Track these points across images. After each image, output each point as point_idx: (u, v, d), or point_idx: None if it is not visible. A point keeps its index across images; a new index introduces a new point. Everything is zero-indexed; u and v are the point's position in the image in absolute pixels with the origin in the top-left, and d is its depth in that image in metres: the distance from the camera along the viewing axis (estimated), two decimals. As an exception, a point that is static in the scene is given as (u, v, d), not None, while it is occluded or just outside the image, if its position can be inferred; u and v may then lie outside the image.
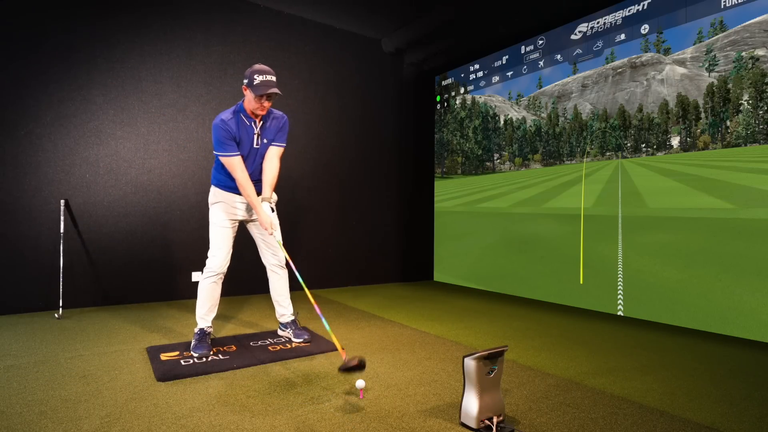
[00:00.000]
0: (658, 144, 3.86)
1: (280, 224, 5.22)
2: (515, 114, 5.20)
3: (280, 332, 3.10)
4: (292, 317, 3.04)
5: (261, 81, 2.54)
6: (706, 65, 3.53)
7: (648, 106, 3.94)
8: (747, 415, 1.89)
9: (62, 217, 3.76)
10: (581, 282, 4.20)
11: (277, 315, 3.07)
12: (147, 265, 4.21)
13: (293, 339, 2.95)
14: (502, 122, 5.34)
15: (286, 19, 4.99)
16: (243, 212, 2.87)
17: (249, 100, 2.62)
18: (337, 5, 4.86)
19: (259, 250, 3.01)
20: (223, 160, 2.65)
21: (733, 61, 3.36)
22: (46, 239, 3.78)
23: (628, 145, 4.08)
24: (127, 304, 4.09)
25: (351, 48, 5.48)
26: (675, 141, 3.75)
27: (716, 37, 3.45)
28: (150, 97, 4.24)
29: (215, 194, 2.82)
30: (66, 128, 3.89)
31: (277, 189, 5.01)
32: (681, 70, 3.71)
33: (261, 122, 2.75)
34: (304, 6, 4.87)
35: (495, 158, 5.43)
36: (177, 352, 2.64)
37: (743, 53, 3.30)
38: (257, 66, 2.61)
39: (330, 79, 5.31)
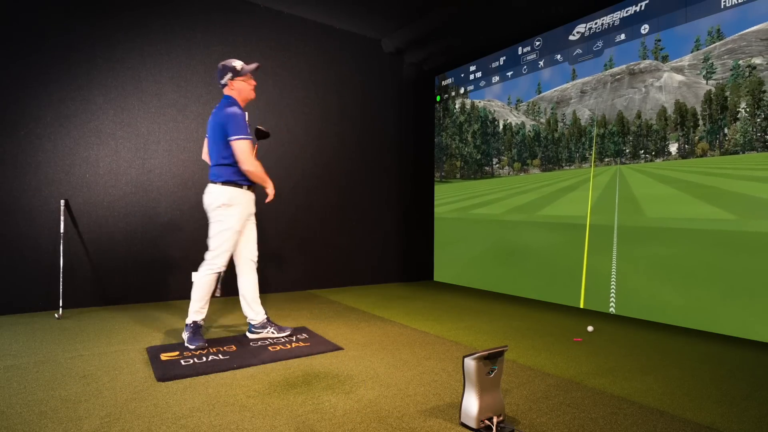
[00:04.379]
0: (656, 150, 3.85)
1: (280, 223, 5.21)
2: (514, 119, 5.16)
3: (252, 335, 2.97)
4: (265, 315, 3.01)
5: (250, 68, 2.80)
6: (704, 73, 3.53)
7: (646, 113, 3.93)
8: (747, 415, 1.90)
9: (62, 217, 3.76)
10: (581, 305, 4.21)
11: (253, 315, 2.96)
12: (147, 265, 4.21)
13: (277, 334, 2.97)
14: (501, 127, 5.31)
15: (286, 19, 4.99)
16: (252, 208, 2.93)
17: (242, 90, 2.80)
18: (337, 5, 4.86)
19: (239, 246, 2.93)
20: (244, 144, 2.70)
21: (731, 69, 3.36)
22: (46, 239, 3.78)
23: (627, 151, 4.06)
24: (127, 304, 4.09)
25: (351, 48, 5.48)
26: (673, 147, 3.74)
27: (713, 45, 3.44)
28: (150, 97, 4.24)
29: (238, 194, 2.79)
30: (66, 128, 3.89)
31: (277, 189, 5.01)
32: (679, 77, 3.70)
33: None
34: (304, 6, 4.87)
35: (494, 163, 5.40)
36: (177, 352, 2.64)
37: (740, 62, 3.30)
38: (226, 60, 2.82)
39: (330, 79, 5.31)
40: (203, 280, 2.76)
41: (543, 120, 4.85)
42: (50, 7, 3.81)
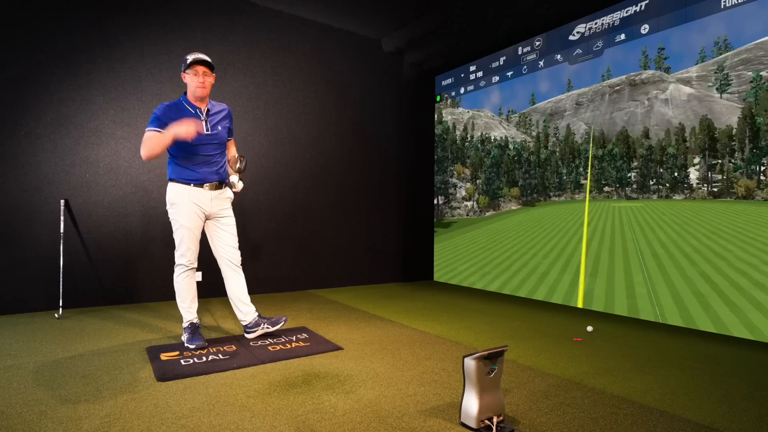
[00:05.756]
0: (672, 182, 3.07)
1: (280, 223, 5.20)
2: (500, 132, 4.52)
3: (249, 335, 2.94)
4: (257, 312, 2.98)
5: (193, 58, 2.70)
6: (717, 85, 3.07)
7: (652, 129, 3.43)
8: (747, 415, 1.89)
9: (62, 217, 3.76)
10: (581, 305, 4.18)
11: (242, 316, 2.93)
12: (147, 265, 4.21)
13: (272, 329, 2.95)
14: (467, 141, 4.37)
15: (286, 19, 5.00)
16: (209, 207, 2.82)
17: (188, 84, 2.74)
18: (337, 5, 4.86)
19: (213, 247, 2.94)
20: (145, 134, 2.62)
21: (750, 81, 2.92)
22: (46, 239, 3.78)
23: (632, 177, 3.35)
24: (127, 304, 4.09)
25: (351, 48, 5.48)
26: (693, 174, 2.98)
27: (725, 55, 3.04)
28: (150, 97, 4.24)
29: (178, 192, 2.74)
30: (66, 128, 3.89)
31: (277, 188, 5.02)
32: (687, 89, 3.26)
33: (206, 110, 2.81)
34: (304, 6, 4.87)
35: (442, 198, 4.20)
36: (177, 352, 2.64)
37: (763, 72, 2.89)
38: (188, 54, 2.76)
39: (330, 79, 5.32)
40: (178, 281, 2.83)
41: (534, 134, 4.31)
42: (50, 8, 3.81)
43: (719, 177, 2.89)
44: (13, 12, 3.68)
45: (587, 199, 3.57)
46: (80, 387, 2.09)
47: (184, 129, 2.49)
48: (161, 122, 2.62)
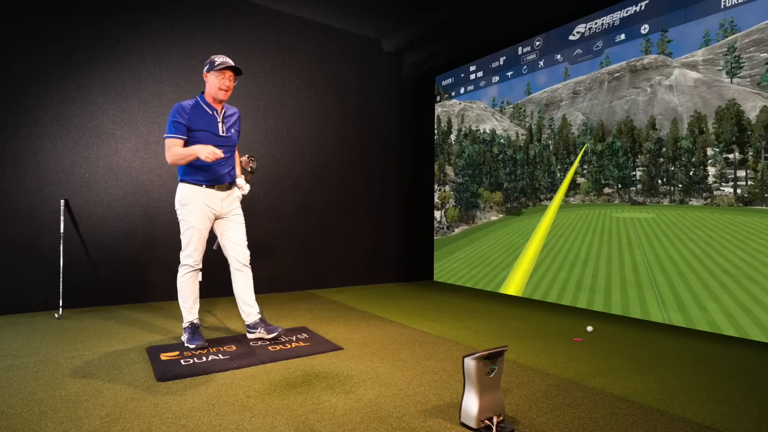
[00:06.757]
0: (688, 183, 2.53)
1: (280, 223, 5.21)
2: (491, 125, 4.24)
3: (249, 335, 2.95)
4: (259, 315, 2.96)
5: (221, 61, 2.71)
6: (728, 68, 2.76)
7: (656, 119, 3.11)
8: (747, 415, 1.89)
9: (62, 217, 3.75)
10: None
11: (244, 315, 2.94)
12: (147, 265, 4.21)
13: (266, 337, 2.91)
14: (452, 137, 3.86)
15: (286, 19, 5.00)
16: (219, 207, 2.83)
17: (211, 85, 2.73)
18: (337, 5, 4.86)
19: (223, 245, 2.94)
20: (166, 142, 2.64)
21: (766, 63, 2.63)
22: (46, 239, 3.78)
23: (637, 176, 2.92)
24: (127, 304, 4.09)
25: (351, 48, 5.48)
26: (711, 172, 2.45)
27: (735, 36, 2.77)
28: (150, 97, 4.24)
29: (190, 193, 2.75)
30: (66, 128, 3.89)
31: (277, 188, 5.03)
32: (694, 74, 2.96)
33: (222, 111, 2.82)
34: (304, 6, 4.87)
35: None
36: (177, 352, 2.64)
37: None
38: (215, 55, 2.78)
39: (330, 79, 5.32)
40: (182, 281, 2.80)
41: (527, 126, 4.06)
42: (50, 8, 3.81)
43: (742, 175, 2.48)
44: (13, 12, 3.68)
45: (558, 196, 2.99)
46: (80, 387, 2.09)
47: (204, 154, 2.54)
48: (183, 127, 2.65)
